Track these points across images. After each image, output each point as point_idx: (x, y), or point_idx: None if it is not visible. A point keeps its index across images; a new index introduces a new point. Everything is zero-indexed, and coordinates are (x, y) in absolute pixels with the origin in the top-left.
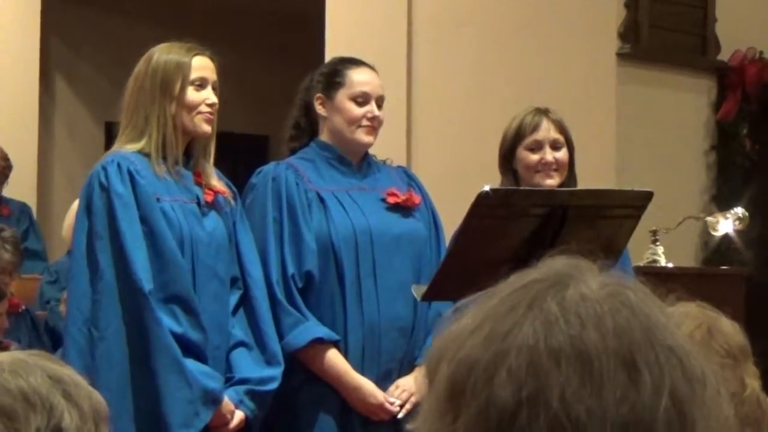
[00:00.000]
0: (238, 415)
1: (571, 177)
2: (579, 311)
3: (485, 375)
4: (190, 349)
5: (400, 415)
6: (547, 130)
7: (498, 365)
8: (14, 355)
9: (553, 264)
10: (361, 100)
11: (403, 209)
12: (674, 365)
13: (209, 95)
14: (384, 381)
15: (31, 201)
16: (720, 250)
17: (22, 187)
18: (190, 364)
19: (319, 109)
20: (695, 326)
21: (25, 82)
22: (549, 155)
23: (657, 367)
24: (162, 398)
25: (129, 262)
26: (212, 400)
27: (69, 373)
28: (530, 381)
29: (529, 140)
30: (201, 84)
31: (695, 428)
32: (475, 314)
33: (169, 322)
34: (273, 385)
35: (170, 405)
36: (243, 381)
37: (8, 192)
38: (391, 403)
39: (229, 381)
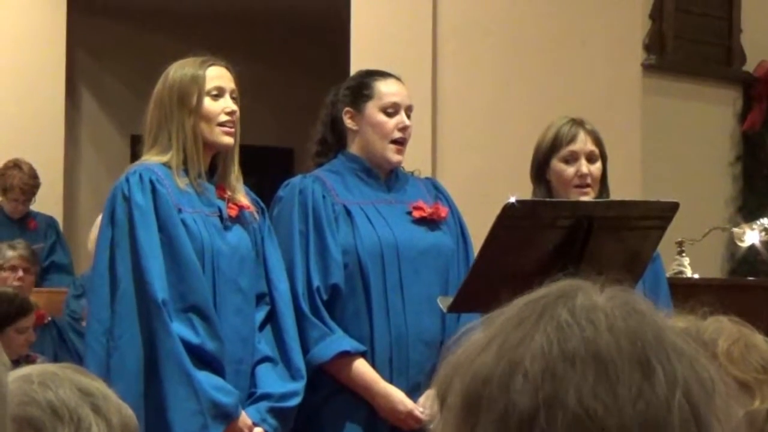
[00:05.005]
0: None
1: (603, 191)
2: (591, 317)
3: (501, 383)
4: (207, 360)
5: (433, 425)
6: (583, 142)
7: (513, 373)
8: (45, 367)
9: (557, 284)
10: (392, 110)
11: (430, 222)
12: (686, 366)
13: (228, 104)
14: (413, 394)
15: (58, 214)
16: (746, 261)
17: (48, 201)
18: (202, 376)
19: (349, 123)
20: (733, 341)
21: (51, 95)
22: (584, 167)
23: (670, 366)
24: (168, 409)
25: (144, 271)
26: (223, 414)
27: (99, 386)
28: (546, 384)
29: (564, 151)
30: (218, 93)
31: (710, 429)
32: (485, 332)
33: (186, 332)
34: (295, 401)
35: (175, 416)
36: (264, 396)
37: (35, 206)
38: (422, 412)
39: (252, 396)
